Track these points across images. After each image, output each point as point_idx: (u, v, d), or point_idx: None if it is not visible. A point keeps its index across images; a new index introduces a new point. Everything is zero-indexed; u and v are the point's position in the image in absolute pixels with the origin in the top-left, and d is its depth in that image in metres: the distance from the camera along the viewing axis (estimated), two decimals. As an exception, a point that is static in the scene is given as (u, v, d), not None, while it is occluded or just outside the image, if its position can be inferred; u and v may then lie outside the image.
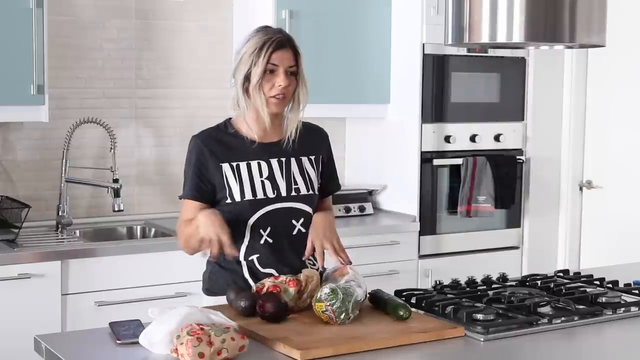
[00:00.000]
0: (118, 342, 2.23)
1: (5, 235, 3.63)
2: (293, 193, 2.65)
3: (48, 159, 4.03)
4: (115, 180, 3.91)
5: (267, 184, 2.63)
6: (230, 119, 2.70)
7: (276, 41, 2.57)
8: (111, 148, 3.94)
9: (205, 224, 2.52)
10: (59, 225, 3.90)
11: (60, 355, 2.18)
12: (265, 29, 2.64)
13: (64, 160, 3.95)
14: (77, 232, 3.94)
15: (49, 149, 4.03)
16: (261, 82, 2.57)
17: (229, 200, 2.62)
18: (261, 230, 2.63)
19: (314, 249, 2.63)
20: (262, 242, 2.63)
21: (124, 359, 2.18)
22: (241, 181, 2.62)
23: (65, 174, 3.95)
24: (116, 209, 3.90)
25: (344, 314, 2.33)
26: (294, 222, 2.66)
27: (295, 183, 2.66)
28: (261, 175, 2.63)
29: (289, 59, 2.58)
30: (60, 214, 3.92)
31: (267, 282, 2.49)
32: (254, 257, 2.63)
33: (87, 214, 4.12)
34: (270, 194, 2.63)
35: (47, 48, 3.66)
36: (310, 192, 2.69)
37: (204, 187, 2.64)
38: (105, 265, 3.56)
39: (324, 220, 2.68)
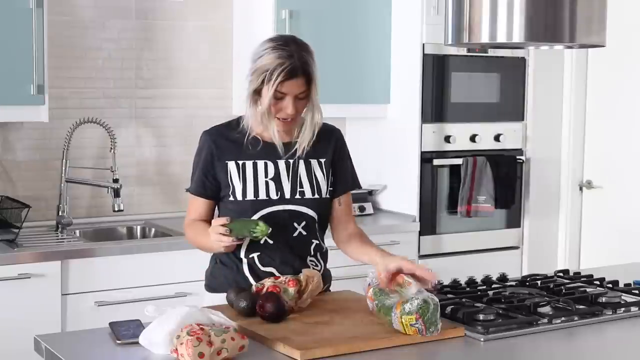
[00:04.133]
0: (118, 342, 2.23)
1: (5, 235, 3.63)
2: (297, 196, 2.64)
3: (48, 159, 4.03)
4: (115, 180, 3.91)
5: (272, 185, 2.63)
6: (241, 117, 2.69)
7: (287, 70, 2.50)
8: (111, 148, 3.93)
9: (217, 242, 2.53)
10: (59, 225, 3.90)
11: (60, 355, 2.18)
12: (280, 46, 2.54)
13: (64, 160, 3.95)
14: (77, 232, 3.94)
15: (49, 149, 4.03)
16: (269, 105, 2.56)
17: (231, 199, 2.64)
18: None
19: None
20: (262, 241, 2.62)
21: (124, 359, 2.18)
22: (245, 180, 2.62)
23: (65, 174, 3.95)
24: (116, 209, 3.90)
25: (433, 326, 2.25)
26: (295, 224, 2.65)
27: (301, 186, 2.65)
28: (266, 176, 2.63)
29: (300, 86, 2.54)
30: (60, 214, 3.92)
31: (267, 282, 2.49)
32: (255, 255, 2.64)
33: (87, 214, 4.12)
34: (274, 196, 2.63)
35: (47, 48, 3.66)
36: (316, 196, 2.67)
37: (208, 184, 2.66)
38: (105, 265, 3.56)
39: None
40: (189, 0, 4.32)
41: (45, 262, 3.44)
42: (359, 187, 2.83)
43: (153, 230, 4.11)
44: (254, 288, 2.51)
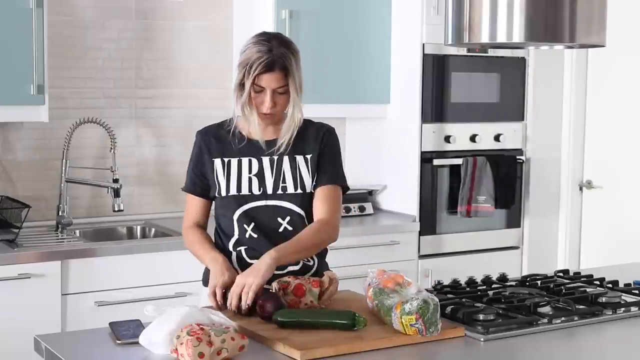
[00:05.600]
0: (118, 342, 2.24)
1: (5, 235, 3.63)
2: (279, 191, 2.68)
3: (48, 159, 4.03)
4: (115, 180, 3.91)
5: (255, 180, 2.67)
6: (238, 116, 2.71)
7: (263, 64, 2.55)
8: (111, 148, 3.93)
9: (212, 279, 2.54)
10: (59, 225, 3.90)
11: (60, 355, 2.18)
12: (262, 41, 2.61)
13: (64, 160, 3.95)
14: (77, 232, 3.94)
15: (49, 149, 4.03)
16: (249, 98, 2.60)
17: (217, 195, 2.70)
18: (245, 225, 2.67)
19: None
20: (247, 236, 2.67)
21: (124, 359, 2.18)
22: (229, 177, 2.68)
23: (65, 174, 3.95)
24: (116, 209, 3.90)
25: (433, 326, 2.25)
26: (279, 220, 2.68)
27: (284, 181, 2.68)
28: (250, 172, 2.68)
29: (277, 80, 2.58)
30: (60, 214, 3.92)
31: (293, 282, 2.48)
32: (242, 248, 2.68)
33: (87, 214, 4.12)
34: (256, 191, 2.67)
35: (47, 48, 3.66)
36: (299, 191, 2.69)
37: (198, 182, 2.73)
38: (105, 265, 3.56)
39: (259, 263, 2.52)
40: (189, 0, 4.32)
41: (45, 262, 3.44)
42: (343, 182, 2.75)
43: (153, 230, 4.11)
44: (277, 285, 2.48)
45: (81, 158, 4.08)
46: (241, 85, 2.62)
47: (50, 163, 4.03)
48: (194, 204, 2.76)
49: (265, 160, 2.69)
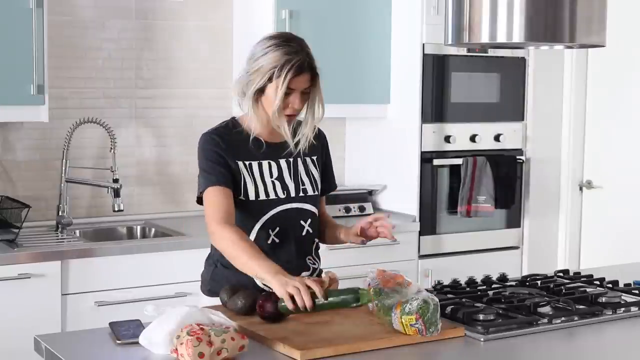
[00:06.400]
0: (118, 342, 2.24)
1: (5, 235, 3.63)
2: (301, 194, 2.67)
3: (48, 159, 4.03)
4: (115, 180, 3.91)
5: (278, 184, 2.65)
6: (234, 117, 2.70)
7: (296, 66, 2.51)
8: (111, 148, 3.93)
9: (282, 285, 2.34)
10: (59, 225, 3.90)
11: (60, 355, 2.18)
12: (285, 43, 2.55)
13: (64, 160, 3.95)
14: (77, 232, 3.94)
15: (49, 149, 4.03)
16: (281, 101, 2.55)
17: (242, 197, 2.61)
18: (269, 230, 2.63)
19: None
20: (268, 241, 2.62)
21: (124, 359, 2.18)
22: (255, 180, 2.62)
23: (65, 174, 3.95)
24: (116, 209, 3.89)
25: (433, 326, 2.26)
26: (302, 222, 2.67)
27: (303, 184, 2.68)
28: (271, 176, 2.64)
29: (306, 81, 2.56)
30: (60, 214, 3.92)
31: None
32: None
33: (87, 214, 4.12)
34: (281, 195, 2.64)
35: (47, 48, 3.66)
36: (316, 192, 2.71)
37: (228, 175, 2.59)
38: (105, 265, 3.56)
39: None
40: (189, 0, 4.32)
41: (45, 262, 3.44)
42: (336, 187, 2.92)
43: (153, 230, 4.10)
44: None
45: (81, 158, 4.08)
46: (260, 90, 2.56)
47: (50, 163, 4.03)
48: (224, 197, 2.55)
49: (283, 163, 2.66)
